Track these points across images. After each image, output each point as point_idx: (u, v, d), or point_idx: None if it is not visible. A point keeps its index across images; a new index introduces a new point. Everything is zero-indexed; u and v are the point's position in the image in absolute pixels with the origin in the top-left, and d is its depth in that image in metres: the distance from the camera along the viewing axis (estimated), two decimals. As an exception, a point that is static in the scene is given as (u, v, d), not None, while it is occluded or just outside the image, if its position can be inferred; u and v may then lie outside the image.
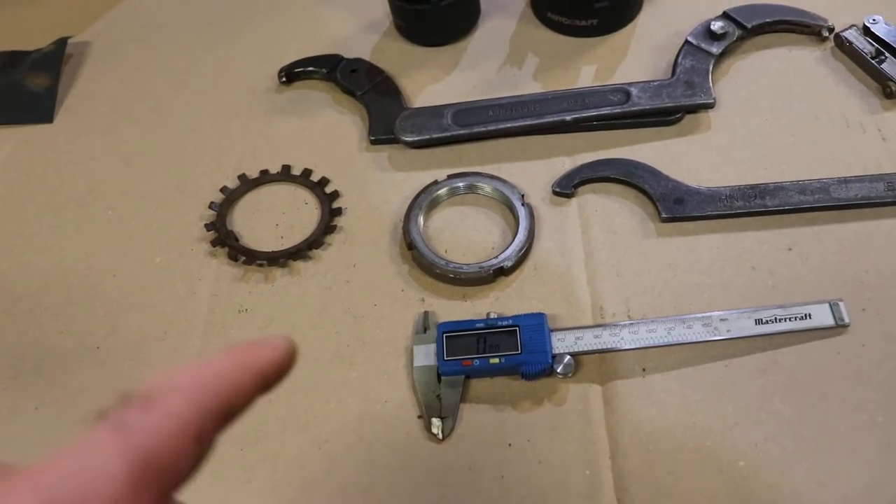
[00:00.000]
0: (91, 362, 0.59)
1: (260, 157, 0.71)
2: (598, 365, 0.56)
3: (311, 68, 0.76)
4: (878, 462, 0.50)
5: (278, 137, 0.72)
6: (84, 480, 0.22)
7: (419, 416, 0.54)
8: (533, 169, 0.67)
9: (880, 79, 0.67)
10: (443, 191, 0.65)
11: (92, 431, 0.24)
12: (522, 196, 0.64)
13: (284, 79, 0.76)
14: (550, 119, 0.67)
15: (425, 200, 0.64)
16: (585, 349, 0.54)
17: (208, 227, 0.65)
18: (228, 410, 0.27)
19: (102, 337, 0.60)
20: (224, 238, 0.64)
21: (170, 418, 0.24)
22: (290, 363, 0.29)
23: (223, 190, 0.68)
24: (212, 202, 0.67)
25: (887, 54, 0.67)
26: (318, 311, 0.60)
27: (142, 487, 0.23)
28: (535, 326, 0.55)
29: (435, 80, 0.75)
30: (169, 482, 0.24)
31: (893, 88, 0.66)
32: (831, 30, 0.71)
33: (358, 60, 0.75)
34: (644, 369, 0.55)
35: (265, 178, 0.69)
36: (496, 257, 0.60)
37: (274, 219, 0.67)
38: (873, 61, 0.67)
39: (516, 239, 0.61)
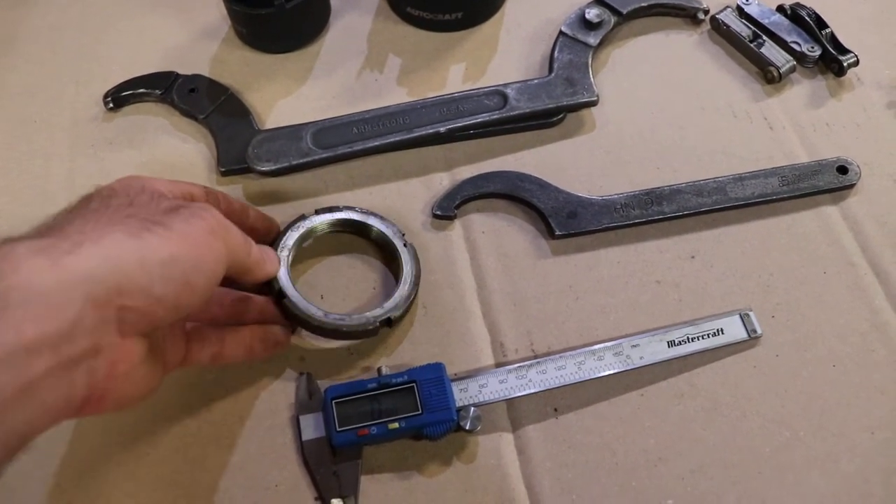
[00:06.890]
0: None
1: (92, 203, 0.60)
2: (506, 410, 0.51)
3: (142, 90, 0.64)
4: (805, 481, 0.48)
5: (113, 177, 0.61)
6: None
7: (316, 499, 0.48)
8: (408, 189, 0.60)
9: (760, 64, 0.64)
10: (310, 229, 0.55)
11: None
12: (404, 235, 0.56)
13: (111, 104, 0.64)
14: (422, 132, 0.60)
15: (291, 240, 0.54)
16: (491, 398, 0.50)
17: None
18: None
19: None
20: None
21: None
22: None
23: (51, 252, 0.57)
24: (37, 268, 0.56)
25: (765, 37, 0.64)
26: (184, 386, 0.51)
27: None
28: (434, 380, 0.49)
29: (287, 93, 0.66)
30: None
31: (774, 74, 0.63)
32: (706, 12, 0.68)
33: (196, 77, 0.65)
34: (556, 409, 0.51)
35: (101, 229, 0.58)
36: (381, 306, 0.52)
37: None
38: (752, 45, 0.64)
39: (400, 287, 0.53)
